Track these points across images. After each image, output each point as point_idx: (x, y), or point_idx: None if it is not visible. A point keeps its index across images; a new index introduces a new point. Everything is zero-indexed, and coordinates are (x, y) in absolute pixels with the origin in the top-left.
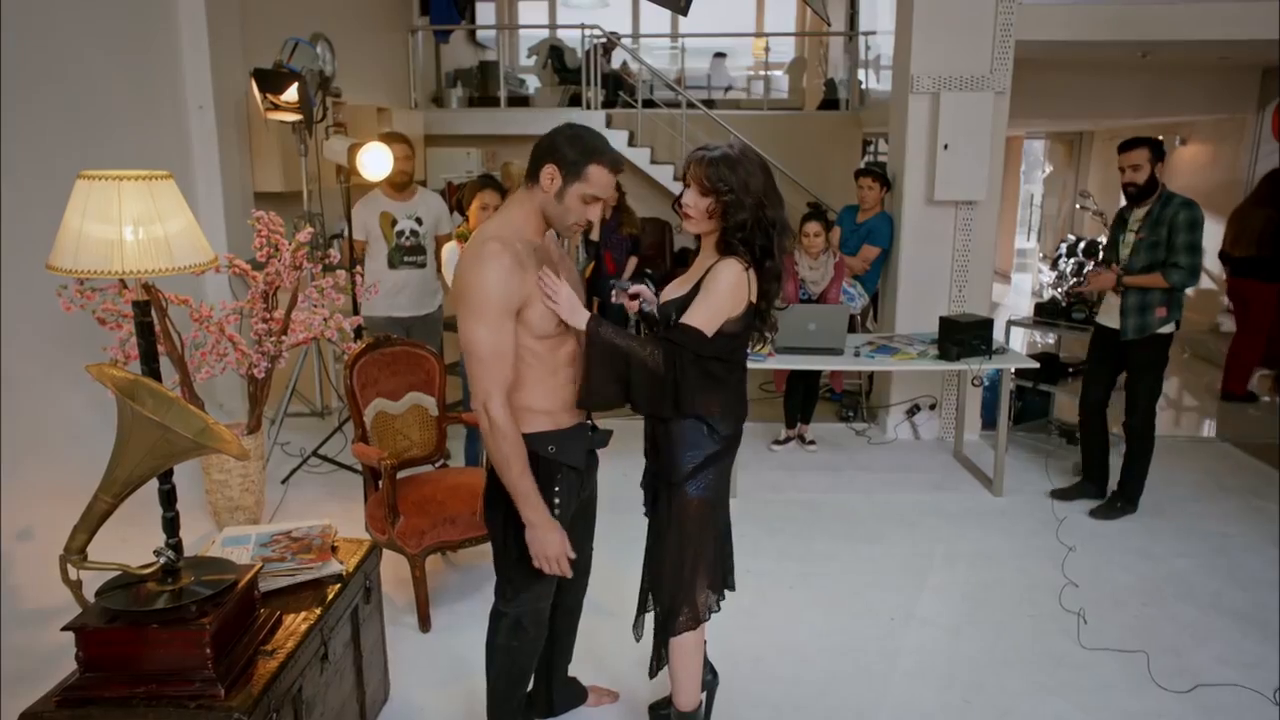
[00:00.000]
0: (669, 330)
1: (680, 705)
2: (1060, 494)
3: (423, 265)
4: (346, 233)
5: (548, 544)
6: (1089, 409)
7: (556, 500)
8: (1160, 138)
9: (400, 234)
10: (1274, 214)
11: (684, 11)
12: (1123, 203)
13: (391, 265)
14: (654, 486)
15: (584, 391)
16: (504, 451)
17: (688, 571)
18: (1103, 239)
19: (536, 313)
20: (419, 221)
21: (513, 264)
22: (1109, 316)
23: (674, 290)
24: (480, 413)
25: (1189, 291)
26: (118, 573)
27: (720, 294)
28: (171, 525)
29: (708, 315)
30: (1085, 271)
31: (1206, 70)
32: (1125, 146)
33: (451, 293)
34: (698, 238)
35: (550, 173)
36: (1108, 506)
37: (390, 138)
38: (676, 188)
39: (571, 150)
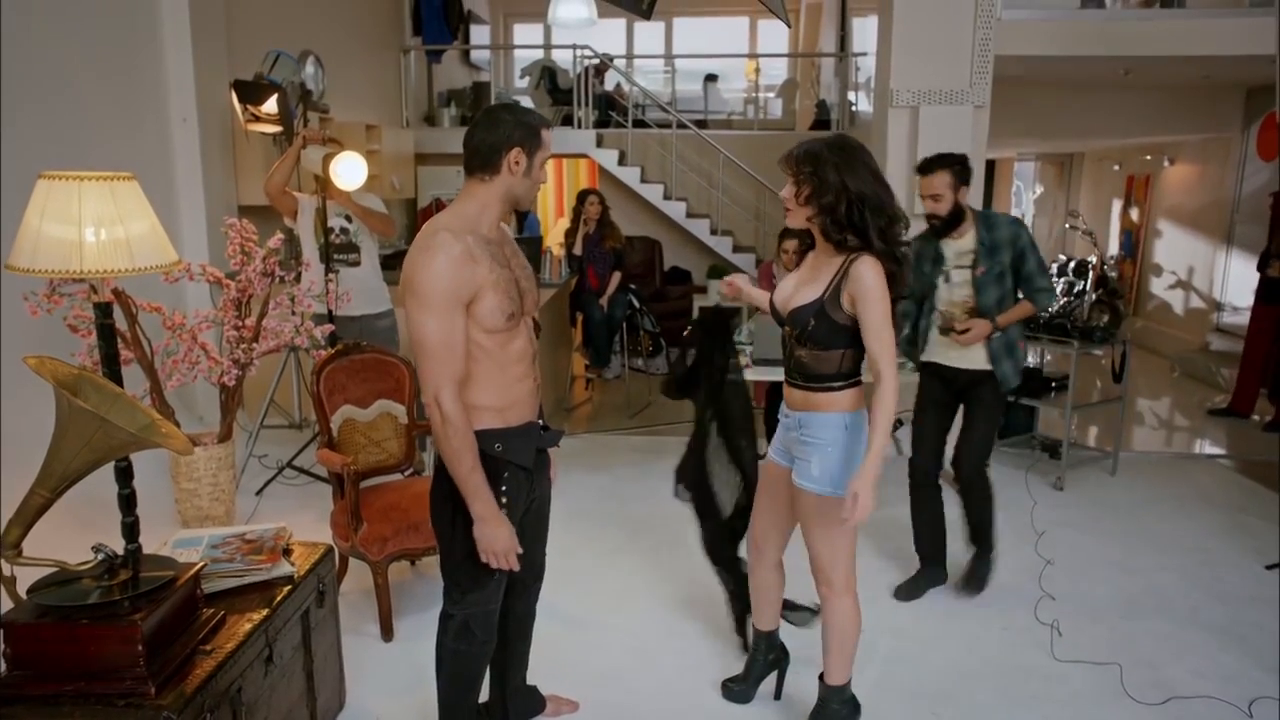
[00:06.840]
0: (887, 352)
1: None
2: (902, 592)
3: (356, 264)
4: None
5: (496, 539)
6: (920, 475)
7: (504, 500)
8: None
9: (329, 231)
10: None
11: (646, 15)
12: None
13: (323, 261)
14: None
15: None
16: (454, 445)
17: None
18: (1093, 259)
19: (486, 306)
20: (349, 219)
21: (463, 255)
22: (940, 353)
23: (796, 291)
24: (431, 406)
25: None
26: (55, 569)
27: (880, 295)
28: (131, 530)
29: (886, 321)
30: (951, 326)
31: (1191, 90)
32: (924, 169)
33: (401, 286)
34: (809, 234)
35: (516, 156)
36: (970, 576)
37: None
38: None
39: (523, 130)
